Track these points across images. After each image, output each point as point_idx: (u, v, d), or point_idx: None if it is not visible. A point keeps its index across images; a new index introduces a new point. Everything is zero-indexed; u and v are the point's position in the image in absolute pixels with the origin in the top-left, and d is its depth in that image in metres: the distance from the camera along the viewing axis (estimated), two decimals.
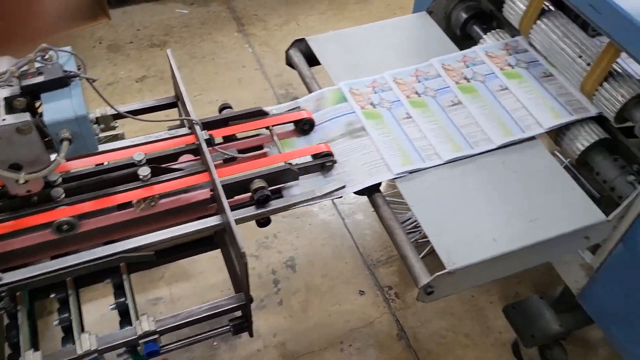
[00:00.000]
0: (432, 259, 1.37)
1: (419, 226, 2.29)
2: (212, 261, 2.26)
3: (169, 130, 1.58)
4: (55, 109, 1.15)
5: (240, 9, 3.47)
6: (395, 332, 2.11)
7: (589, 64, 1.56)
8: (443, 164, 1.51)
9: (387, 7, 3.46)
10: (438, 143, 1.54)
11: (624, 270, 1.48)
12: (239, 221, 1.35)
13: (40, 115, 1.15)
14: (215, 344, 2.05)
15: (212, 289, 2.20)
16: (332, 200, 2.49)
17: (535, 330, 1.79)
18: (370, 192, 1.51)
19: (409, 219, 2.34)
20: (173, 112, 1.70)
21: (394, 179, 1.48)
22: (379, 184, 1.51)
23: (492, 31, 1.92)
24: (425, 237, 2.15)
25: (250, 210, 1.39)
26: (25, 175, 1.15)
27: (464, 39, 2.00)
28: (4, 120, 1.11)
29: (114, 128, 1.61)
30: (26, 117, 1.12)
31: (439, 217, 1.41)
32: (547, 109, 1.63)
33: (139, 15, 3.38)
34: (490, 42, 1.87)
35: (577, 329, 1.87)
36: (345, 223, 2.45)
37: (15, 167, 1.17)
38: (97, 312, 2.00)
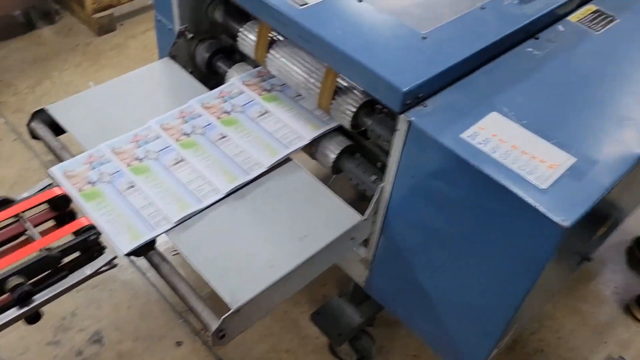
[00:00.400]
0: None
1: None
2: None
3: None
4: None
5: None
6: None
7: (319, 84, 1.73)
8: (222, 197, 1.54)
9: (145, 49, 3.42)
10: (215, 178, 1.57)
11: (390, 256, 1.67)
12: (2, 326, 1.24)
13: None
14: None
15: None
16: (130, 259, 2.42)
17: (341, 328, 1.94)
18: (146, 251, 1.49)
19: None
20: None
21: (171, 229, 1.48)
22: (154, 241, 1.50)
23: (237, 65, 2.02)
24: None
25: (12, 313, 1.28)
26: None
27: (213, 78, 2.07)
28: None
29: None
30: None
31: (218, 261, 1.45)
32: (306, 122, 1.76)
33: None
34: (236, 76, 1.97)
35: (375, 314, 2.06)
36: (147, 277, 2.37)
37: None
38: None
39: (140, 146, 1.67)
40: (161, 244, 1.50)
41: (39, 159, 2.76)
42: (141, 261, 2.40)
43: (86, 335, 2.16)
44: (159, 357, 2.12)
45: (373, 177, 1.66)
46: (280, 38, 1.86)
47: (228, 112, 1.80)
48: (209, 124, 1.75)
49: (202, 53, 2.06)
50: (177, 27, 2.00)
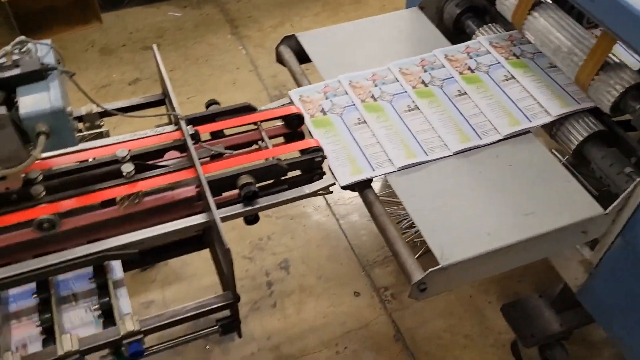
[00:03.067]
0: (427, 260, 1.32)
1: (414, 225, 2.25)
2: (205, 263, 2.22)
3: (156, 127, 1.55)
4: (31, 102, 1.11)
5: (233, 11, 3.45)
6: (392, 333, 2.06)
7: (583, 55, 1.52)
8: (449, 155, 1.46)
9: (382, 8, 3.43)
10: (446, 134, 1.49)
11: (624, 265, 1.43)
12: (225, 219, 1.32)
13: (17, 109, 1.12)
14: (207, 347, 2.01)
15: (206, 290, 2.15)
16: (327, 201, 2.48)
17: (534, 329, 1.75)
18: (362, 188, 1.47)
19: (405, 218, 2.29)
20: (161, 110, 1.67)
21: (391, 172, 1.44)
22: (371, 180, 1.47)
23: (486, 25, 1.89)
24: (421, 236, 2.13)
25: (237, 208, 1.35)
26: (0, 171, 1.11)
27: (456, 34, 1.97)
28: None
29: (99, 127, 1.58)
30: (2, 110, 1.09)
31: (432, 213, 1.37)
32: (554, 97, 1.59)
33: (131, 18, 3.36)
34: (485, 36, 1.84)
35: (578, 327, 1.82)
36: (340, 224, 2.40)
37: None
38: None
39: (377, 85, 1.65)
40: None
41: (268, 92, 2.95)
42: (337, 207, 2.46)
43: (276, 260, 2.27)
44: (337, 300, 2.15)
45: (628, 170, 1.43)
46: (545, 0, 1.69)
47: (471, 70, 1.69)
48: (450, 77, 1.66)
49: (452, 8, 1.97)
50: None
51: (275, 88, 2.98)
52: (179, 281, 2.20)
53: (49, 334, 1.22)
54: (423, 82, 1.65)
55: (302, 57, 1.84)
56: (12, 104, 1.14)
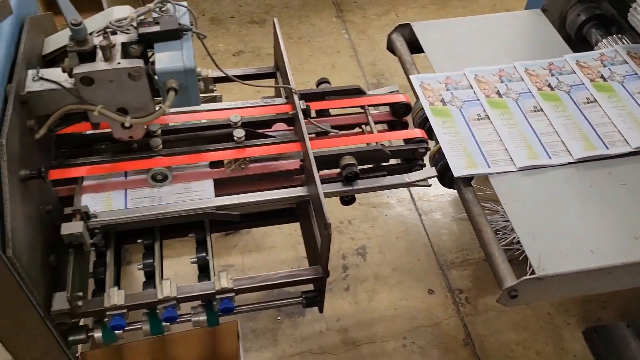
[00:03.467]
0: (513, 267, 1.29)
1: (502, 231, 2.20)
2: (285, 237, 2.29)
3: (263, 98, 1.59)
4: (166, 58, 1.18)
5: None
6: (462, 337, 2.04)
7: None
8: (572, 162, 1.41)
9: (492, 7, 3.34)
10: (570, 140, 1.45)
11: None
12: (326, 195, 1.34)
13: (152, 63, 1.18)
14: (279, 318, 2.06)
15: (282, 264, 2.21)
16: (412, 195, 2.46)
17: (617, 358, 1.67)
18: (461, 185, 1.45)
19: (495, 222, 2.24)
20: (270, 83, 1.71)
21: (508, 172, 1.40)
22: (472, 177, 1.45)
23: (611, 36, 1.80)
24: (509, 244, 2.08)
25: (337, 186, 1.38)
26: (130, 119, 1.18)
27: (578, 42, 1.89)
28: (119, 63, 1.15)
29: (212, 91, 1.64)
30: (139, 63, 1.16)
31: (533, 220, 1.33)
32: (638, 127, 1.49)
33: None
34: (622, 45, 1.75)
35: None
36: (422, 220, 2.39)
37: (123, 112, 1.21)
38: (172, 269, 2.07)
39: (503, 82, 1.61)
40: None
41: (365, 79, 2.95)
42: (421, 202, 2.44)
43: (354, 245, 2.29)
44: (410, 294, 2.14)
45: None
46: None
47: (604, 78, 1.61)
48: (579, 84, 1.59)
49: (576, 14, 1.88)
50: None
51: (373, 76, 2.98)
52: (258, 251, 2.27)
53: (148, 278, 1.30)
54: (549, 85, 1.59)
55: (412, 48, 1.83)
56: (147, 59, 1.21)
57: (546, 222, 1.33)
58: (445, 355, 1.99)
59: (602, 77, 1.60)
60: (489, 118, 1.49)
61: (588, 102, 1.53)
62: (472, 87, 1.57)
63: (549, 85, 1.57)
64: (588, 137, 1.45)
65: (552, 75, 1.61)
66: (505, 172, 1.39)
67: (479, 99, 1.54)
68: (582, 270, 1.24)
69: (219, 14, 3.32)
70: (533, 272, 1.23)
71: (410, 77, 1.61)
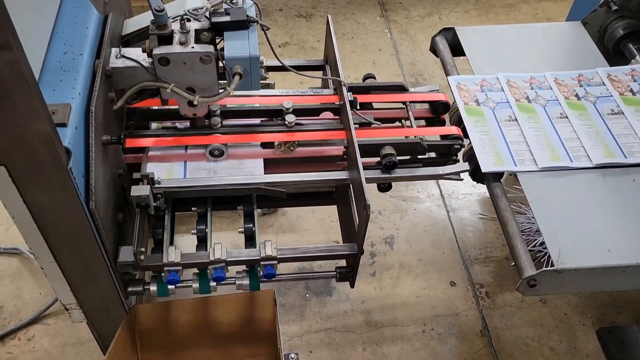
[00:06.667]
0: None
1: (525, 233, 2.29)
2: (318, 221, 2.42)
3: (309, 89, 1.72)
4: (234, 46, 1.32)
5: None
6: (479, 328, 2.14)
7: None
8: (590, 167, 1.51)
9: (534, 16, 3.40)
10: (591, 146, 1.55)
11: None
12: (366, 180, 1.46)
13: (221, 49, 1.32)
14: (307, 295, 2.20)
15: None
16: (441, 191, 2.57)
17: (628, 359, 1.76)
18: (491, 181, 1.56)
19: (520, 223, 2.33)
20: (318, 74, 1.84)
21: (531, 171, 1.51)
22: (501, 174, 1.56)
23: None
24: (532, 246, 2.17)
25: (377, 173, 1.50)
26: (199, 98, 1.33)
27: (615, 56, 1.97)
28: (192, 47, 1.29)
29: (265, 78, 1.78)
30: (210, 48, 1.30)
31: (557, 218, 1.44)
32: None
33: None
34: None
35: None
36: (449, 216, 2.49)
37: (191, 91, 1.35)
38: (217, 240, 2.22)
39: (533, 89, 1.71)
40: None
41: (404, 78, 3.06)
42: (450, 199, 2.54)
43: (382, 234, 2.41)
44: (432, 284, 2.25)
45: None
46: None
47: (633, 92, 1.70)
48: (606, 96, 1.69)
49: (616, 29, 1.96)
50: None
51: (412, 75, 3.08)
52: (291, 232, 2.41)
53: (200, 242, 1.45)
54: (577, 95, 1.69)
55: (454, 50, 1.93)
56: (216, 45, 1.36)
57: (568, 220, 1.43)
58: (462, 344, 2.10)
59: (631, 91, 1.68)
60: (517, 121, 1.60)
61: (613, 114, 1.63)
62: (503, 91, 1.68)
63: (576, 95, 1.67)
64: (609, 146, 1.54)
65: (580, 86, 1.70)
66: (528, 171, 1.50)
67: (509, 102, 1.64)
68: (598, 266, 1.34)
69: (268, 5, 3.46)
70: (552, 265, 1.34)
71: (449, 78, 1.72)
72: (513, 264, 1.42)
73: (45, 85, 1.19)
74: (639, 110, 1.63)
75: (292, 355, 1.89)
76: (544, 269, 1.33)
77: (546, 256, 2.15)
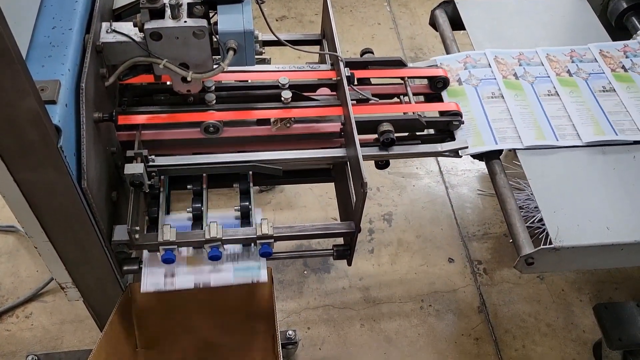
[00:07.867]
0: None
1: (523, 210, 2.28)
2: (315, 198, 2.41)
3: (307, 64, 1.68)
4: (228, 20, 1.28)
5: None
6: (477, 304, 2.15)
7: None
8: (580, 146, 1.49)
9: None
10: (581, 124, 1.52)
11: None
12: (363, 158, 1.44)
13: (215, 24, 1.29)
14: (305, 272, 2.20)
15: (311, 222, 2.33)
16: (440, 168, 2.55)
17: (624, 334, 1.76)
18: (489, 158, 1.54)
19: (519, 200, 2.32)
20: (314, 49, 1.80)
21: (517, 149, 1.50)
22: (500, 151, 1.54)
23: None
24: (530, 224, 2.17)
25: (374, 150, 1.48)
26: (192, 74, 1.30)
27: (617, 30, 1.93)
28: (185, 22, 1.26)
29: (261, 53, 1.74)
30: (203, 23, 1.27)
31: (556, 195, 1.42)
32: None
33: None
34: None
35: None
36: (448, 192, 2.48)
37: (184, 67, 1.32)
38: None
39: (521, 65, 1.68)
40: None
41: (404, 52, 3.02)
42: (449, 176, 2.53)
43: (381, 211, 2.40)
44: (430, 261, 2.25)
45: None
46: None
47: (625, 69, 1.67)
48: (597, 73, 1.66)
49: (620, 2, 1.92)
50: None
51: (412, 50, 3.04)
52: (289, 209, 2.40)
53: (196, 220, 1.43)
54: (568, 71, 1.66)
55: (454, 24, 1.89)
56: (209, 19, 1.32)
57: (567, 198, 1.42)
58: (460, 320, 2.11)
59: (623, 67, 1.66)
60: (502, 97, 1.58)
61: (604, 91, 1.60)
62: (490, 67, 1.65)
63: (568, 72, 1.64)
64: (599, 123, 1.52)
65: (573, 62, 1.67)
66: (513, 149, 1.49)
67: (495, 79, 1.62)
68: (596, 244, 1.34)
69: None
70: (550, 243, 1.33)
71: (433, 59, 1.69)
72: (511, 240, 1.41)
73: (33, 61, 1.16)
74: (630, 87, 1.61)
75: (290, 332, 1.91)
76: (541, 247, 1.32)
77: (544, 232, 2.15)
